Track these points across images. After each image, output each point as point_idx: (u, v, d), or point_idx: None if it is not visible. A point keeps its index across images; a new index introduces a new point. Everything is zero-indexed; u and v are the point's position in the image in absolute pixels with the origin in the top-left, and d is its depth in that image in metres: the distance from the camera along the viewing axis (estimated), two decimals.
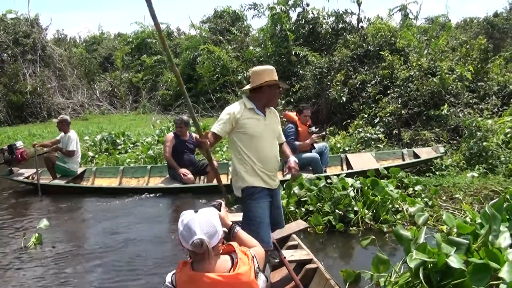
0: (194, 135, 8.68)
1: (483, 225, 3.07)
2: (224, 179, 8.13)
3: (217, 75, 19.94)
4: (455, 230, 3.37)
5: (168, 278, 2.28)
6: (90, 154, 11.12)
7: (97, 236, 6.11)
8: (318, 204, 6.08)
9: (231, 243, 2.44)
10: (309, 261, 4.15)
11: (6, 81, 20.63)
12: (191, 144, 8.46)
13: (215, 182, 8.02)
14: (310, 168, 8.00)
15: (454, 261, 2.69)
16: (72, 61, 25.76)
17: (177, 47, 26.49)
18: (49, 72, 23.16)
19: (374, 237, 3.65)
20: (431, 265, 2.83)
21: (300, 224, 4.88)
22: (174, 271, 2.29)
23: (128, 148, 11.50)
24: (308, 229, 5.69)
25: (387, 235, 5.58)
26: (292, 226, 4.91)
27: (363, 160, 8.50)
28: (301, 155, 7.75)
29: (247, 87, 3.69)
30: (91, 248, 5.59)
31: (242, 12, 24.26)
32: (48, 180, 8.75)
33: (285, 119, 8.21)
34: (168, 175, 8.48)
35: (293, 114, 8.33)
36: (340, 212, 5.88)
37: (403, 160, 8.51)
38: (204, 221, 2.23)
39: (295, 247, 4.59)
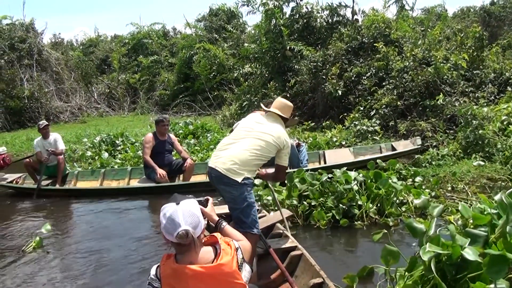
0: (171, 135, 8.69)
1: (501, 215, 3.01)
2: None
3: (213, 73, 19.98)
4: (471, 221, 3.28)
5: (153, 271, 2.30)
6: (89, 153, 11.18)
7: (97, 240, 6.00)
8: (321, 199, 5.94)
9: (214, 234, 2.46)
10: (294, 248, 4.21)
11: (3, 87, 20.53)
12: (170, 145, 8.42)
13: (192, 179, 8.25)
14: None
15: (470, 253, 2.62)
16: (69, 65, 25.70)
17: (173, 46, 26.44)
18: (46, 76, 23.07)
19: (386, 231, 3.57)
20: (445, 257, 2.77)
21: (284, 213, 4.91)
22: (158, 264, 2.31)
23: (127, 148, 11.48)
24: (313, 225, 5.69)
25: (392, 228, 5.46)
26: (276, 215, 4.97)
27: (339, 156, 8.48)
28: None
29: (279, 112, 4.19)
30: (89, 253, 5.49)
31: (237, 9, 24.25)
32: (32, 184, 8.78)
33: None
34: (144, 175, 8.47)
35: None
36: (344, 207, 5.75)
37: (381, 154, 8.43)
38: (187, 212, 2.24)
39: (279, 235, 4.65)
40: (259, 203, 6.04)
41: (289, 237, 4.46)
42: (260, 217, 4.90)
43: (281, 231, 4.67)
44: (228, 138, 4.15)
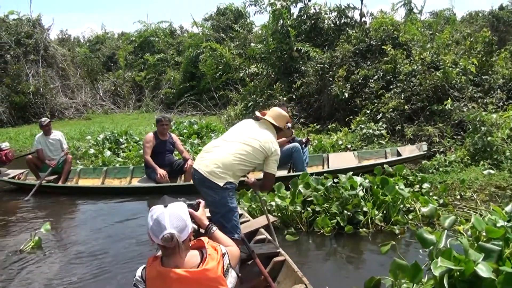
0: (173, 135, 8.60)
1: None
2: None
3: (219, 72, 19.90)
4: (483, 233, 3.13)
5: (139, 273, 2.32)
6: (92, 151, 11.13)
7: (97, 240, 5.92)
8: (325, 205, 5.74)
9: (201, 238, 2.46)
10: (277, 254, 4.19)
11: (8, 82, 20.59)
12: (171, 145, 8.32)
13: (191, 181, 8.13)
14: (288, 166, 7.86)
15: (483, 270, 2.50)
16: (75, 61, 25.73)
17: (180, 45, 26.40)
18: (52, 72, 23.11)
19: (394, 242, 3.44)
20: (458, 273, 2.66)
21: (270, 219, 4.84)
22: (144, 266, 2.33)
23: (131, 147, 11.40)
24: (317, 232, 5.54)
25: (399, 237, 5.29)
26: (259, 221, 4.98)
27: (343, 160, 8.35)
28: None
29: (272, 120, 4.20)
30: (88, 255, 5.37)
31: (244, 9, 24.19)
32: (33, 181, 8.76)
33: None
34: (145, 175, 8.40)
35: None
36: (349, 213, 5.56)
37: (386, 159, 8.26)
38: (174, 215, 2.25)
39: (263, 240, 4.64)
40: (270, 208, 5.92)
41: (273, 242, 4.44)
42: (243, 222, 5.02)
43: (265, 236, 4.66)
44: (216, 140, 4.14)
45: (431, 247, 2.93)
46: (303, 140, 7.96)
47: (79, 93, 23.93)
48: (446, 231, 2.97)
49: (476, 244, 2.83)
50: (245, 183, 4.42)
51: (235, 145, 3.90)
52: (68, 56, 25.29)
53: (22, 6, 55.15)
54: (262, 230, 4.80)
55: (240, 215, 5.30)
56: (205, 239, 2.45)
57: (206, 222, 2.82)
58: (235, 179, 3.85)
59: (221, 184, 3.72)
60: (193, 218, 2.74)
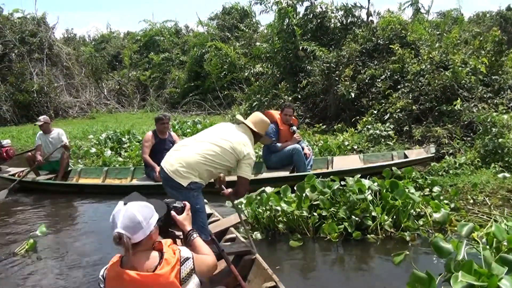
0: (173, 133, 8.47)
1: None
2: None
3: (224, 72, 19.77)
4: (505, 243, 2.93)
5: (101, 272, 2.28)
6: (93, 150, 11.00)
7: (94, 244, 5.68)
8: (332, 209, 5.48)
9: (161, 240, 2.37)
10: (247, 252, 4.18)
11: (12, 80, 20.53)
12: (171, 143, 8.11)
13: None
14: (290, 168, 7.76)
15: (507, 285, 2.32)
16: (80, 60, 25.69)
17: (185, 44, 26.28)
18: (56, 71, 23.05)
19: (407, 252, 3.22)
20: None
21: (237, 218, 4.79)
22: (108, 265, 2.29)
23: (133, 146, 11.25)
24: (323, 238, 5.28)
25: (409, 244, 5.01)
26: (230, 219, 5.01)
27: (348, 163, 8.16)
28: (281, 151, 7.69)
29: (251, 125, 4.16)
30: (85, 262, 5.12)
31: (250, 8, 24.03)
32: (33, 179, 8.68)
33: None
34: (144, 174, 8.29)
35: (276, 113, 8.00)
36: (357, 219, 5.29)
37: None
38: (127, 215, 2.18)
39: (233, 239, 4.65)
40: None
41: (243, 241, 4.41)
42: (214, 221, 5.07)
43: (235, 235, 4.65)
44: (186, 139, 4.10)
45: (448, 257, 2.71)
46: (306, 152, 7.84)
47: (84, 92, 23.87)
48: (465, 241, 2.74)
49: (497, 255, 2.61)
50: (221, 194, 4.35)
51: (204, 145, 3.83)
52: (73, 55, 25.28)
53: (27, 4, 55.35)
54: (232, 229, 4.81)
55: (210, 214, 5.32)
56: (166, 241, 2.35)
57: (188, 228, 2.68)
58: (201, 179, 3.79)
59: (185, 184, 3.67)
60: (175, 222, 2.66)
